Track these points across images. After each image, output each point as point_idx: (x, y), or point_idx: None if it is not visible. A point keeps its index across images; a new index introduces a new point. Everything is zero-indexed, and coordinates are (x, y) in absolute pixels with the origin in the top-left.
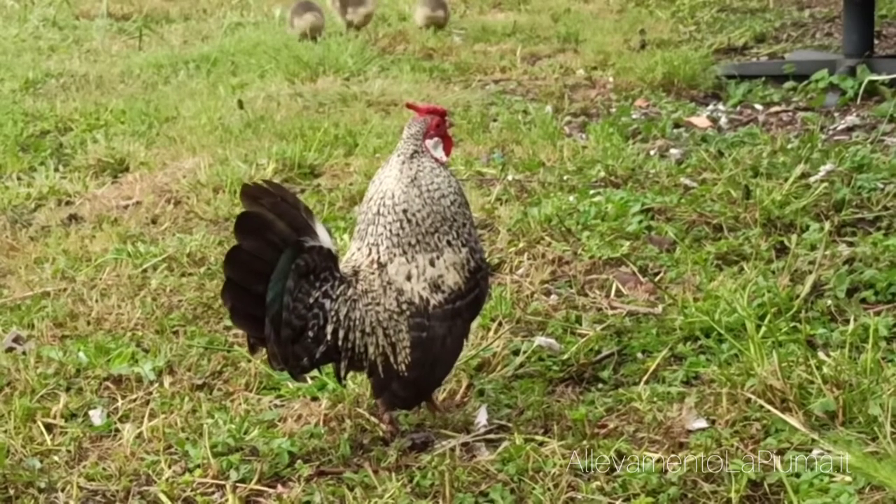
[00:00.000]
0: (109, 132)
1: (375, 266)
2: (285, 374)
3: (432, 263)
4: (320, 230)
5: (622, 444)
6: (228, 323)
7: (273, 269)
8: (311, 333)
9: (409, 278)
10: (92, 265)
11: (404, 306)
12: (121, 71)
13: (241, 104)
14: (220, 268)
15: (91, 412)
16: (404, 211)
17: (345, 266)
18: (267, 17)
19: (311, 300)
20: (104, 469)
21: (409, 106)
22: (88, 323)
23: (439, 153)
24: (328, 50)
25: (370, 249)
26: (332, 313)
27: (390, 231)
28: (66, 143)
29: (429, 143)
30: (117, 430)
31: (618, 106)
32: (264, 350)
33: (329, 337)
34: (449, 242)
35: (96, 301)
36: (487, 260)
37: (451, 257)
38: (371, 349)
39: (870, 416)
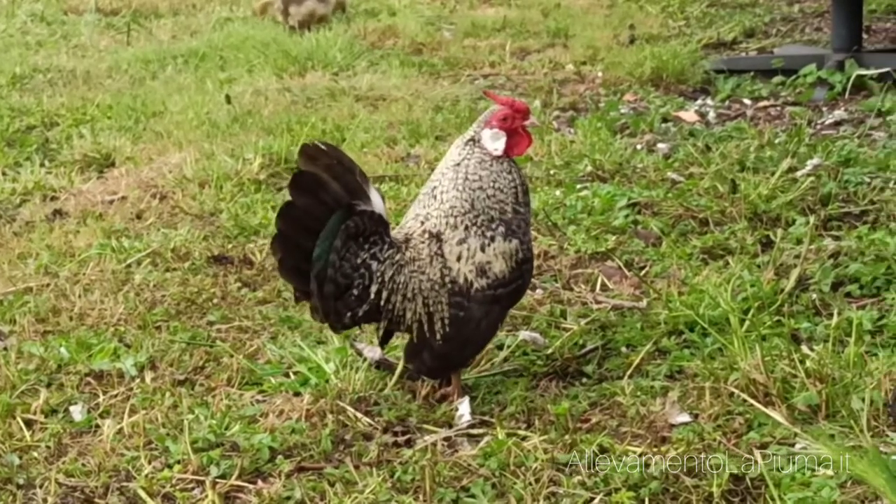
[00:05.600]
0: (96, 127)
1: (427, 236)
2: (267, 370)
3: (483, 249)
4: (374, 196)
5: (605, 439)
6: (211, 318)
7: (323, 227)
8: (355, 292)
9: (458, 258)
10: (76, 260)
11: (447, 279)
12: (108, 66)
13: (228, 99)
14: (204, 262)
15: (71, 408)
16: (441, 192)
17: (398, 232)
18: (256, 12)
19: (359, 260)
20: (83, 465)
21: (485, 94)
22: (71, 318)
23: (495, 145)
24: (317, 45)
25: (423, 219)
26: (378, 274)
27: (431, 205)
28: (52, 139)
29: (486, 132)
30: (97, 425)
31: (606, 101)
32: (307, 303)
33: (373, 296)
34: (481, 233)
35: (79, 296)
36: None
37: (501, 246)
38: (409, 314)
39: (852, 410)
